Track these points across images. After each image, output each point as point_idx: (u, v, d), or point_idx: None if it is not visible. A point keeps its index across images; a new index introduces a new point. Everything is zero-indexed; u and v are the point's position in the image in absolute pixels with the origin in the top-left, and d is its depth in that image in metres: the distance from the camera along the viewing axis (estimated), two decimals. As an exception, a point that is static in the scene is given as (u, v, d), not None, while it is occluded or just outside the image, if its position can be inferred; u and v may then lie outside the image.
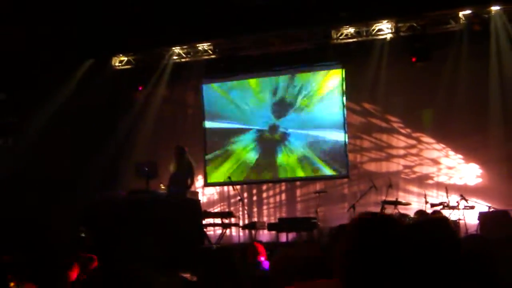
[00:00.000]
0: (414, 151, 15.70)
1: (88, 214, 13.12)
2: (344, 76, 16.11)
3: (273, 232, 14.98)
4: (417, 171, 15.59)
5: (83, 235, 13.15)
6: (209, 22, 14.67)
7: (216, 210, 16.62)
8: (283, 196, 16.79)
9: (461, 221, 12.97)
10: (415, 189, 15.24)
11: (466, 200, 13.34)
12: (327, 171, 16.21)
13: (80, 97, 15.61)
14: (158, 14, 14.47)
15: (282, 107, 16.66)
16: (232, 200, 16.58)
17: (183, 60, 16.67)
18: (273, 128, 16.67)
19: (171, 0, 14.08)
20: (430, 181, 15.34)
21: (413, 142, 15.71)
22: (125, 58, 17.00)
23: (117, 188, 14.77)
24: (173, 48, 16.42)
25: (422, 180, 15.38)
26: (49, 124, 15.40)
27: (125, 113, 16.89)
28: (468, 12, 14.23)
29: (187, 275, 6.17)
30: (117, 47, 16.17)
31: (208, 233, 14.94)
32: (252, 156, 16.88)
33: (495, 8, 14.02)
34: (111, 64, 17.02)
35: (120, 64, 17.12)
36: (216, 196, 17.20)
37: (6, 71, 14.81)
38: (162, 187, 13.58)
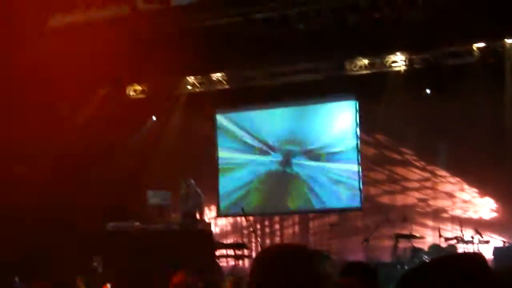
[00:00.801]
0: (428, 184, 15.59)
1: (101, 244, 13.13)
2: (357, 107, 16.05)
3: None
4: (431, 204, 15.44)
5: (95, 264, 13.17)
6: (223, 52, 14.69)
7: (229, 241, 16.53)
8: (296, 228, 16.69)
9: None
10: (429, 222, 15.07)
11: (481, 235, 13.14)
12: (341, 203, 16.08)
13: (95, 126, 15.67)
14: (172, 44, 14.52)
15: (295, 138, 16.59)
16: (245, 231, 16.50)
17: (196, 90, 16.74)
18: (286, 159, 16.59)
19: (185, 30, 14.13)
20: (445, 215, 15.19)
21: (427, 175, 15.59)
22: (139, 87, 17.07)
23: (129, 218, 14.73)
24: (187, 77, 16.48)
25: (436, 214, 15.23)
26: (63, 152, 15.44)
27: (139, 143, 16.89)
28: (482, 45, 14.18)
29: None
30: (131, 76, 16.21)
31: (221, 264, 14.87)
32: (264, 187, 16.81)
33: (509, 41, 13.96)
34: (126, 93, 17.09)
35: (134, 93, 17.19)
36: (229, 227, 17.15)
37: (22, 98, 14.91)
38: (174, 216, 13.55)
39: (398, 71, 15.05)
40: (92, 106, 16.07)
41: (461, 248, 13.12)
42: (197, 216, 13.30)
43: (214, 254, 14.10)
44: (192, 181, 13.58)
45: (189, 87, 16.68)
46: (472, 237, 13.20)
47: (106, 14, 13.01)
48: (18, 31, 13.05)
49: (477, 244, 13.15)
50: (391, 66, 15.11)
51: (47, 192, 14.91)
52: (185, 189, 13.55)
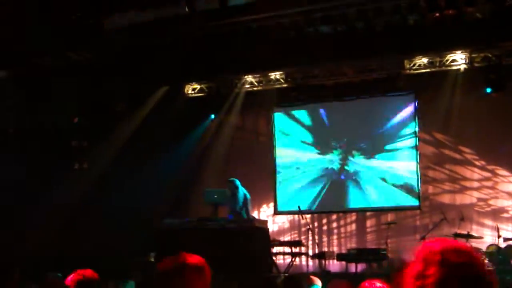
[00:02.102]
0: (489, 183, 15.37)
1: (158, 240, 13.32)
2: (416, 106, 15.94)
3: (343, 263, 14.84)
4: (491, 204, 15.24)
5: (152, 260, 13.39)
6: (282, 51, 14.74)
7: (286, 239, 16.61)
8: (353, 226, 16.64)
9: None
10: (489, 222, 14.88)
11: (541, 236, 12.93)
12: (399, 202, 16.01)
13: (154, 124, 15.94)
14: (230, 43, 14.65)
15: (353, 136, 16.59)
16: (303, 229, 16.50)
17: (255, 88, 16.81)
18: (344, 157, 16.59)
19: (243, 29, 14.22)
20: (505, 215, 14.98)
21: (487, 174, 15.37)
22: (198, 86, 17.25)
23: (187, 215, 14.92)
24: (246, 76, 16.59)
25: (496, 214, 15.02)
26: (122, 149, 15.76)
27: (197, 140, 17.09)
28: (545, 42, 13.95)
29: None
30: (190, 74, 16.37)
31: (278, 261, 14.94)
32: (323, 185, 16.82)
33: None
34: (185, 92, 17.29)
35: (193, 92, 17.37)
36: (287, 225, 17.20)
37: (82, 96, 15.27)
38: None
39: (458, 70, 14.88)
40: (152, 105, 16.34)
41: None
42: (244, 215, 13.38)
43: (270, 252, 14.17)
44: (237, 181, 13.65)
45: (247, 85, 16.76)
46: (533, 238, 13.01)
47: (164, 14, 13.15)
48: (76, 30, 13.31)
49: (537, 244, 12.95)
50: (450, 65, 14.94)
51: (103, 189, 15.27)
52: (231, 189, 13.63)
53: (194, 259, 3.39)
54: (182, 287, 3.25)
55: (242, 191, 13.64)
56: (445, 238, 2.49)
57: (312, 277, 7.26)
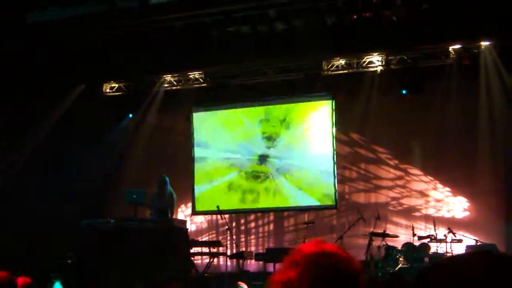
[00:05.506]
0: (401, 182, 15.72)
1: (76, 240, 13.08)
2: (333, 107, 16.16)
3: (261, 262, 14.92)
4: (404, 203, 15.58)
5: (69, 261, 13.15)
6: (201, 50, 14.73)
7: (204, 239, 16.60)
8: (271, 226, 16.77)
9: (448, 255, 13.00)
10: (403, 221, 15.23)
11: (454, 234, 13.28)
12: (316, 202, 16.20)
13: (71, 123, 15.66)
14: (150, 41, 14.54)
15: (271, 137, 16.68)
16: (221, 229, 16.50)
17: (173, 88, 16.74)
18: (263, 158, 16.68)
19: (163, 28, 14.14)
20: (418, 214, 15.34)
21: (400, 173, 15.72)
22: (116, 85, 17.04)
23: (105, 215, 14.70)
24: (164, 76, 16.48)
25: (409, 212, 15.37)
26: (38, 149, 15.41)
27: (115, 140, 16.85)
28: (458, 46, 14.37)
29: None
30: (108, 73, 16.16)
31: (195, 261, 14.92)
32: (240, 185, 16.85)
33: (484, 44, 14.14)
34: (102, 91, 17.05)
35: (111, 91, 17.15)
36: (205, 225, 17.17)
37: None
38: (148, 215, 13.52)
39: (375, 72, 15.18)
40: (69, 103, 16.02)
41: (434, 246, 13.28)
42: (169, 215, 13.29)
43: (189, 252, 14.13)
44: (167, 178, 13.56)
45: (166, 84, 16.67)
46: (445, 236, 13.31)
47: (84, 11, 12.95)
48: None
49: (450, 242, 13.29)
50: (367, 67, 15.25)
51: (20, 189, 14.90)
52: (160, 185, 13.54)
53: None
54: None
55: (169, 189, 13.54)
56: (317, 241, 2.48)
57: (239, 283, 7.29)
